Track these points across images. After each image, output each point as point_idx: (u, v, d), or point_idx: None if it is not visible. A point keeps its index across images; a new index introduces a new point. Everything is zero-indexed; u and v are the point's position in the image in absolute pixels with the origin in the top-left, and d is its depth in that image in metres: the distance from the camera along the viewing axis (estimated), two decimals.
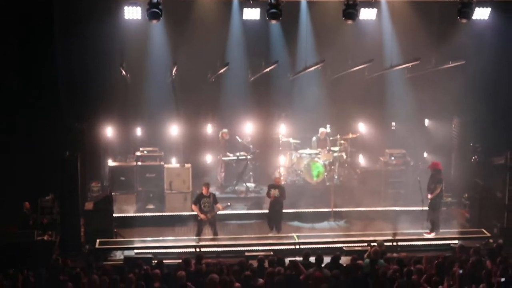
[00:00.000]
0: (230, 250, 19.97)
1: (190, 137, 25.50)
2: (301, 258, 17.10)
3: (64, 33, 23.22)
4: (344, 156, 25.22)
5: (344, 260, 17.54)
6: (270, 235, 21.27)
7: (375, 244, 18.45)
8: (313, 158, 24.38)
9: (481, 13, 22.11)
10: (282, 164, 25.28)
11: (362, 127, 26.41)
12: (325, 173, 24.39)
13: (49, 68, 23.19)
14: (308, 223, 22.87)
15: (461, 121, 25.11)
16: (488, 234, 21.07)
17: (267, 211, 21.85)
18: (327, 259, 16.85)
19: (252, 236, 21.38)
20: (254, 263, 16.79)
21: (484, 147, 24.12)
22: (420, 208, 21.50)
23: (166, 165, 24.10)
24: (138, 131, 25.24)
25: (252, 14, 22.24)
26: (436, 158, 25.22)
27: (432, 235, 21.05)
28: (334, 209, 23.10)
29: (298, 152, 24.96)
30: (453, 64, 23.15)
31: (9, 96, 22.50)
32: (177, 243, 20.62)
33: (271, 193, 21.44)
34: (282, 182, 23.02)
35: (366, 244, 19.50)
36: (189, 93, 25.28)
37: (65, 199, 20.48)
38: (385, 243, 18.90)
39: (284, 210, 21.89)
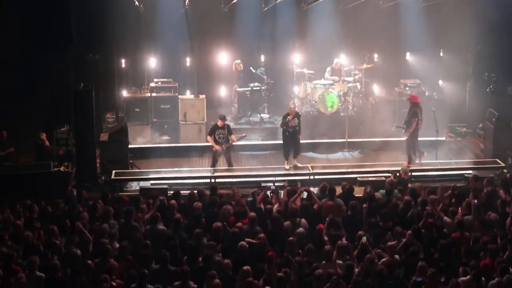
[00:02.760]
0: (244, 181, 20.04)
1: (204, 68, 25.44)
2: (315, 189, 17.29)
3: None
4: (359, 87, 25.08)
5: (358, 191, 17.66)
6: (287, 167, 21.05)
7: (399, 172, 18.62)
8: (328, 88, 24.26)
9: None
10: (296, 94, 25.22)
11: (377, 57, 26.24)
12: (340, 104, 24.30)
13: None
14: (323, 153, 22.93)
15: (477, 50, 24.92)
16: (502, 164, 21.00)
17: (281, 142, 21.77)
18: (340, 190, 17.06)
19: (267, 166, 21.52)
20: None
21: (500, 76, 23.94)
22: (435, 138, 21.49)
23: (180, 96, 24.07)
24: (152, 62, 25.08)
25: None
26: (452, 88, 25.23)
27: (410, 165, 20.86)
28: (348, 140, 23.11)
29: (312, 82, 24.82)
30: None
31: (21, 29, 22.38)
32: (192, 174, 20.74)
33: (291, 123, 20.87)
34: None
35: (389, 174, 19.55)
36: (202, 24, 25.11)
37: (80, 130, 20.50)
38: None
39: None
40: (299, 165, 21.09)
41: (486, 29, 23.74)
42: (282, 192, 16.94)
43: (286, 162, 21.15)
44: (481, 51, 24.69)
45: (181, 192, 17.23)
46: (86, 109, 20.35)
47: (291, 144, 21.15)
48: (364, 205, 15.82)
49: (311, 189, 17.25)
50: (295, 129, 20.98)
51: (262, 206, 16.03)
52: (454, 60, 25.65)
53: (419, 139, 21.37)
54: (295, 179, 19.40)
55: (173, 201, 16.13)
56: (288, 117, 20.90)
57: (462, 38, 24.49)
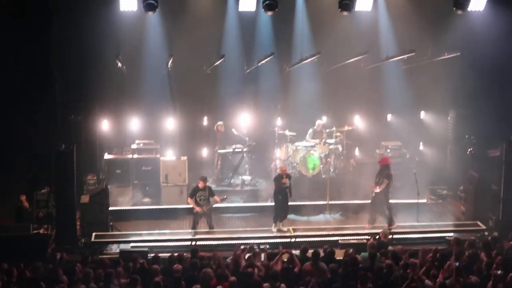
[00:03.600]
0: (225, 244, 19.93)
1: (186, 129, 25.47)
2: (297, 252, 17.17)
3: (60, 25, 23.09)
4: (340, 149, 25.16)
5: (339, 254, 17.57)
6: (274, 230, 21.10)
7: (379, 235, 18.61)
8: (309, 150, 24.34)
9: (477, 4, 22.19)
10: (278, 156, 25.23)
11: (358, 120, 26.38)
12: (321, 166, 24.34)
13: (44, 60, 23.12)
14: (304, 216, 22.85)
15: (457, 113, 25.16)
16: (484, 227, 21.10)
17: (264, 203, 21.88)
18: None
19: (248, 229, 21.39)
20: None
21: (480, 139, 24.13)
22: (416, 201, 21.55)
23: (162, 158, 23.99)
24: (134, 124, 25.09)
25: (248, 5, 22.34)
26: (432, 150, 25.36)
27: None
28: (330, 202, 23.08)
29: (294, 144, 24.90)
30: (448, 55, 23.20)
31: (3, 88, 22.40)
32: (173, 236, 20.62)
33: (284, 181, 21.05)
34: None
35: (369, 236, 19.54)
36: (185, 85, 25.23)
37: (60, 192, 20.41)
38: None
39: None
40: (284, 229, 21.07)
41: (465, 91, 24.11)
42: (263, 255, 16.86)
43: (274, 225, 21.17)
44: (461, 113, 24.91)
45: (161, 255, 17.09)
46: (68, 170, 20.27)
47: (283, 206, 21.20)
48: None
49: (293, 251, 17.14)
50: (286, 191, 21.15)
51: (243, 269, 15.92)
52: (435, 122, 25.89)
53: (402, 201, 21.49)
54: (277, 242, 19.38)
55: (153, 264, 15.99)
56: (283, 179, 21.01)
57: (442, 101, 24.77)
